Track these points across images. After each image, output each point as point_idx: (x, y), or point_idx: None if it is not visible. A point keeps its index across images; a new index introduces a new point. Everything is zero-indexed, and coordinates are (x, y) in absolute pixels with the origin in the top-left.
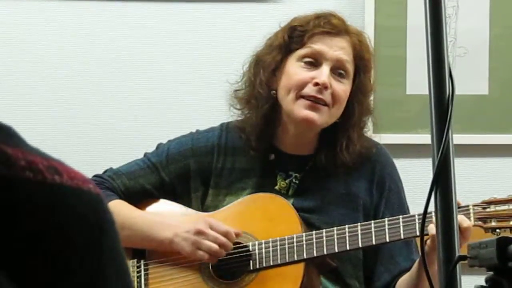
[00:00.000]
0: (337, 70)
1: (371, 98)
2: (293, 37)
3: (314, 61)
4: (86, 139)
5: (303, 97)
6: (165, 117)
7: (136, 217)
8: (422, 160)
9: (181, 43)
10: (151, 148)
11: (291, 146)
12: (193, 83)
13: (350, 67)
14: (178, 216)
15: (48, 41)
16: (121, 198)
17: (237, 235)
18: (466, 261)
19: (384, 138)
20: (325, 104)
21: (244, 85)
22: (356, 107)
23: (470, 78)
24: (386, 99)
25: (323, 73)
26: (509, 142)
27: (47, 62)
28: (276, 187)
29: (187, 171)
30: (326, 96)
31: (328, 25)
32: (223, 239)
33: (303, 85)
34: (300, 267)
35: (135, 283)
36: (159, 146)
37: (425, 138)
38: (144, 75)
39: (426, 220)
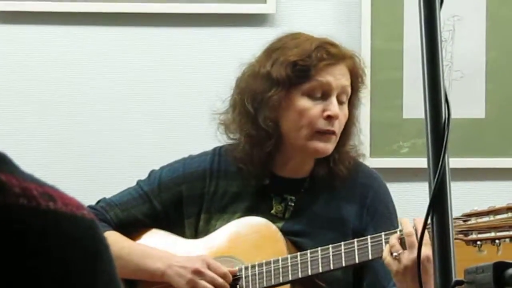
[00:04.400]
0: (340, 96)
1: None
2: (295, 72)
3: (322, 94)
4: (84, 158)
5: (317, 132)
6: (164, 135)
7: (128, 248)
8: (418, 184)
9: (174, 66)
10: (147, 168)
11: (289, 171)
12: (192, 104)
13: (349, 90)
14: (171, 246)
15: (45, 57)
16: (114, 229)
17: (233, 274)
18: (463, 286)
19: (380, 162)
20: (335, 134)
21: (239, 117)
22: (351, 125)
23: (466, 101)
24: (383, 123)
25: (334, 105)
26: (506, 166)
27: (43, 78)
28: (272, 211)
29: (179, 198)
30: (336, 126)
31: (330, 56)
32: (220, 280)
33: (315, 120)
34: None
35: None
36: (151, 173)
37: (421, 162)
38: (142, 95)
39: (384, 240)
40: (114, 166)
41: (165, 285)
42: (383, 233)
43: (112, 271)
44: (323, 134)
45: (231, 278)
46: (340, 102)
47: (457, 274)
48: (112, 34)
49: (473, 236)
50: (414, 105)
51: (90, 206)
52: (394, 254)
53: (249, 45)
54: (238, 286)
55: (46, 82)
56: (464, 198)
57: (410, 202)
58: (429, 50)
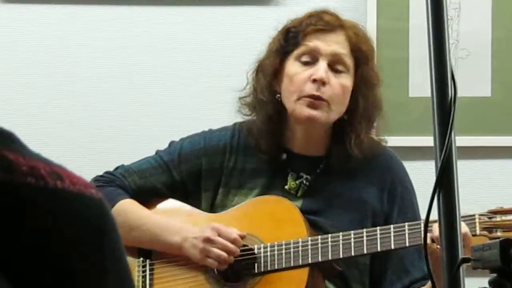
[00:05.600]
0: (335, 65)
1: (378, 91)
2: (288, 39)
3: (311, 59)
4: (88, 141)
5: (304, 97)
6: (169, 118)
7: (146, 218)
8: (425, 163)
9: (183, 45)
10: (154, 149)
11: (301, 147)
12: (197, 85)
13: (348, 61)
14: (188, 218)
15: (48, 43)
16: (131, 196)
17: (242, 237)
18: (469, 264)
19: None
20: (324, 100)
21: (249, 92)
22: (360, 100)
23: (472, 80)
24: (389, 102)
25: (320, 69)
26: (511, 144)
27: (48, 64)
28: (286, 187)
29: (198, 170)
30: (325, 92)
31: (321, 22)
32: (231, 246)
33: (303, 84)
34: (305, 271)
35: (140, 283)
36: (171, 144)
37: (427, 140)
38: (147, 76)
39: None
40: (116, 148)
41: (179, 258)
42: (406, 224)
43: (119, 249)
44: (310, 100)
45: (241, 241)
46: (335, 71)
47: None
48: (114, 13)
49: (498, 233)
50: (420, 84)
51: (108, 172)
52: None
53: (256, 24)
54: (256, 264)
55: (47, 63)
56: (469, 177)
57: (416, 181)
58: (435, 29)
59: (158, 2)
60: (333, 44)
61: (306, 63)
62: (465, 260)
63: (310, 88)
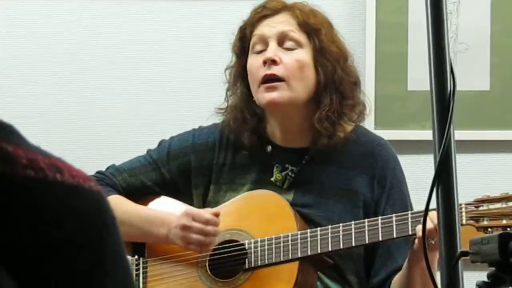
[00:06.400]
0: (284, 42)
1: (346, 63)
2: (242, 37)
3: (263, 46)
4: (87, 136)
5: (261, 83)
6: (165, 115)
7: (133, 211)
8: (423, 156)
9: (178, 39)
10: (150, 146)
11: (284, 139)
12: (192, 82)
13: (297, 36)
14: (171, 209)
15: (52, 36)
16: (121, 194)
17: (216, 215)
18: (468, 257)
19: (385, 134)
20: (280, 80)
21: (225, 101)
22: (321, 71)
23: (471, 74)
24: (388, 96)
25: (268, 50)
26: (510, 138)
27: (50, 58)
28: (272, 179)
29: (188, 167)
30: (277, 70)
31: (264, 9)
32: (208, 228)
33: (257, 71)
34: (295, 265)
35: (134, 281)
36: (161, 143)
37: (426, 134)
38: (138, 76)
39: (415, 220)
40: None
41: (173, 255)
42: (393, 215)
43: (118, 243)
44: (267, 84)
45: (216, 220)
46: (286, 49)
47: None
48: (115, 7)
49: (484, 222)
50: (419, 78)
51: (99, 172)
52: (431, 241)
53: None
54: (246, 260)
55: (47, 54)
56: (468, 170)
57: (415, 175)
58: (434, 23)
59: None
60: (278, 24)
61: (259, 52)
62: (464, 254)
63: (263, 70)
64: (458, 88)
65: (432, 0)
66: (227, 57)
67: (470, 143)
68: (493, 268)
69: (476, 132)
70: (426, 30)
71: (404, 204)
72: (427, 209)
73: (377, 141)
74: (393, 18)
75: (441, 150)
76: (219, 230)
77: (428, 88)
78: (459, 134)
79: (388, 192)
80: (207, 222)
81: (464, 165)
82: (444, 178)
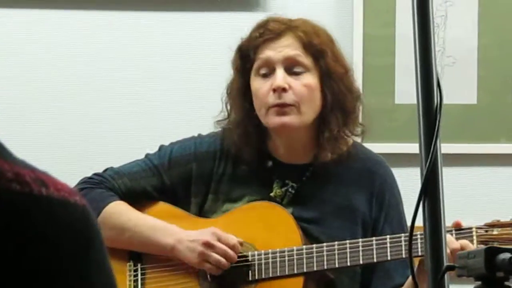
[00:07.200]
0: (292, 68)
1: (349, 79)
2: (243, 57)
3: (269, 70)
4: (82, 140)
5: (271, 108)
6: (159, 123)
7: (138, 220)
8: (410, 169)
9: (171, 51)
10: (146, 151)
11: (286, 155)
12: (188, 89)
13: (304, 60)
14: (179, 221)
15: (45, 43)
16: (121, 198)
17: (240, 244)
18: (454, 271)
19: (372, 148)
20: (291, 105)
21: (225, 115)
22: (328, 94)
23: (458, 87)
24: (375, 109)
25: (277, 77)
26: (497, 152)
27: (44, 64)
28: (272, 194)
29: (189, 175)
30: (287, 98)
31: (267, 32)
32: (230, 252)
33: (266, 97)
34: (300, 280)
35: (132, 287)
36: (161, 148)
37: (414, 147)
38: (137, 81)
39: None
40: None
41: (171, 263)
42: (403, 234)
43: (103, 257)
44: (278, 108)
45: (240, 248)
46: (294, 73)
47: None
48: (98, 19)
49: None
50: (406, 91)
51: (97, 174)
52: None
53: (240, 30)
54: (250, 271)
55: (33, 66)
56: (455, 184)
57: (402, 188)
58: (421, 36)
59: (140, 7)
60: (283, 48)
61: (265, 75)
62: (450, 268)
63: (273, 99)
64: (445, 101)
65: (420, 14)
66: (224, 68)
67: (457, 156)
68: (479, 282)
69: (463, 145)
70: (413, 43)
71: (401, 223)
72: (413, 222)
73: (375, 158)
74: (380, 31)
75: (427, 164)
76: (236, 258)
77: (416, 101)
78: (446, 148)
79: (386, 210)
80: (232, 247)
81: (451, 178)
82: (431, 192)
